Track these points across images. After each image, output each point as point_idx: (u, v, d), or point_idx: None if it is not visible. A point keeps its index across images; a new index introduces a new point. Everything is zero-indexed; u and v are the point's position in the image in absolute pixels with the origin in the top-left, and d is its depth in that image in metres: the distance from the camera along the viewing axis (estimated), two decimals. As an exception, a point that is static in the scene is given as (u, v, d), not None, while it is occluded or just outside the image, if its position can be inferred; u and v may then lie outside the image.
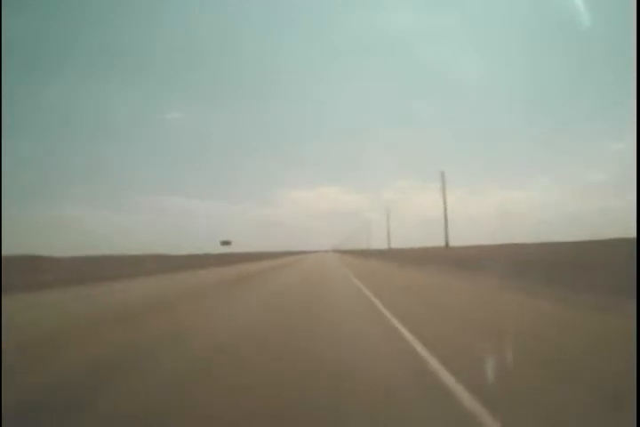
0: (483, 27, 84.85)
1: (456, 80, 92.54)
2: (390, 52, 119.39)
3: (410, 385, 2.83)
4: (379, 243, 74.57)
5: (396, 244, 61.75)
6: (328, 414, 2.36)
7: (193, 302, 8.62)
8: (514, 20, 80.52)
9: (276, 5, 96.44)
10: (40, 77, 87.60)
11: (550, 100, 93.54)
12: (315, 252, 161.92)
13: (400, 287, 11.32)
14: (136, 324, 5.87)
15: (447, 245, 34.97)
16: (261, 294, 10.13)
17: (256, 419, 2.35)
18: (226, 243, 52.77)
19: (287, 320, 5.77)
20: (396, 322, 5.23)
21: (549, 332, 4.57)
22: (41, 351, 4.30)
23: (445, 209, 35.10)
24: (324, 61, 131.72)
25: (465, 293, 9.27)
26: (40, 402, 2.70)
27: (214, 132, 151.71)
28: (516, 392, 2.61)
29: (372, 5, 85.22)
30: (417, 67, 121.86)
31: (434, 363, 3.26)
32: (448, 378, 2.86)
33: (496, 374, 2.96)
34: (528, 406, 2.38)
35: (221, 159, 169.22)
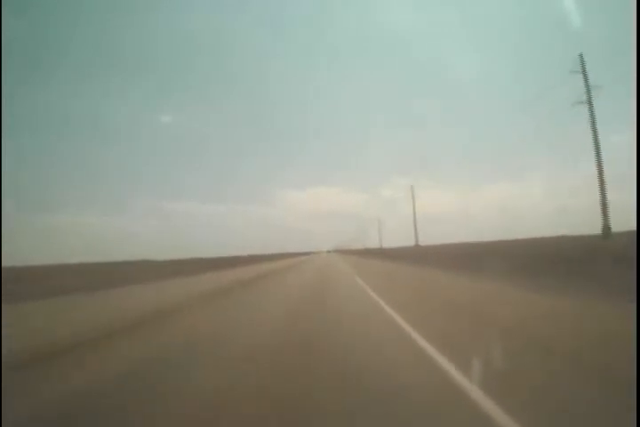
0: (482, 26, 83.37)
1: (454, 79, 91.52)
2: (390, 51, 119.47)
3: None
4: (379, 242, 73.25)
5: (401, 242, 59.55)
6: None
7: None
8: (512, 19, 78.75)
9: (273, 5, 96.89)
10: (40, 77, 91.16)
11: (550, 97, 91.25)
12: (315, 253, 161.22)
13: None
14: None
15: (609, 233, 20.47)
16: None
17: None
18: None
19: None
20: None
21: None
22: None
23: (603, 184, 20.72)
24: (323, 61, 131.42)
25: None
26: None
27: (213, 133, 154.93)
28: None
29: (372, 5, 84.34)
30: (416, 66, 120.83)
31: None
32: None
33: None
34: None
35: (220, 161, 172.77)
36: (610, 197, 21.20)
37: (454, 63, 76.94)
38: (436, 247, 43.89)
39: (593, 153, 21.78)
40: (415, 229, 51.71)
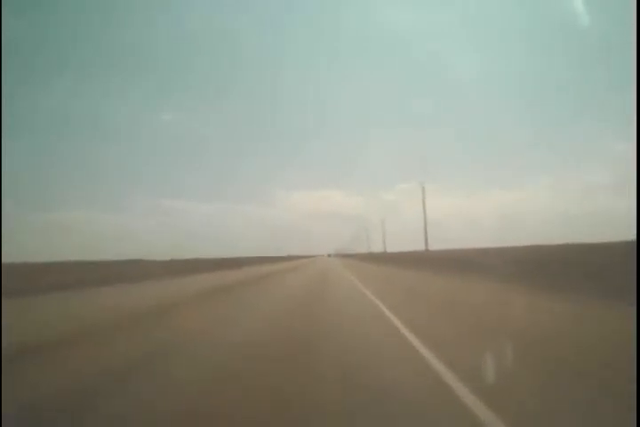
0: (483, 26, 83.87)
1: (456, 80, 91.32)
2: (391, 51, 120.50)
3: None
4: (384, 246, 72.48)
5: (403, 246, 58.25)
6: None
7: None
8: (514, 19, 78.79)
9: (274, 5, 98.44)
10: (40, 77, 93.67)
11: (551, 100, 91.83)
12: (316, 256, 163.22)
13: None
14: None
15: None
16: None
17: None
18: None
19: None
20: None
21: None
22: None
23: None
24: (324, 61, 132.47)
25: None
26: None
27: (214, 133, 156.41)
28: None
29: (372, 4, 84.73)
30: (417, 66, 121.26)
31: None
32: None
33: None
34: None
35: (221, 161, 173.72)
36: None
37: (462, 66, 76.45)
38: (449, 252, 42.12)
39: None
40: (425, 233, 50.31)
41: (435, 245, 43.25)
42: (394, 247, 65.45)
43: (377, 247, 78.75)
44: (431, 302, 9.59)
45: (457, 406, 2.79)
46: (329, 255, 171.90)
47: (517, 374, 3.52)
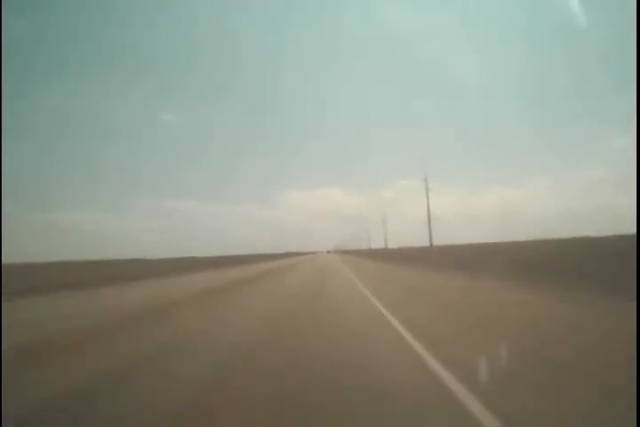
0: (483, 26, 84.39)
1: (456, 80, 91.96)
2: (391, 51, 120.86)
3: None
4: (385, 242, 72.46)
5: (402, 243, 58.32)
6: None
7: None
8: (514, 19, 78.72)
9: (274, 5, 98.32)
10: (40, 77, 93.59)
11: (551, 98, 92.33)
12: (315, 253, 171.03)
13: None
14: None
15: None
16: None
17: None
18: None
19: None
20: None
21: None
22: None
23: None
24: (324, 61, 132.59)
25: None
26: None
27: (214, 133, 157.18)
28: None
29: (372, 4, 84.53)
30: (417, 66, 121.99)
31: None
32: None
33: None
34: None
35: (221, 161, 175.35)
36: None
37: (462, 66, 76.14)
38: (450, 248, 41.12)
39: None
40: (430, 229, 49.74)
41: (435, 241, 42.93)
42: (394, 243, 65.64)
43: (377, 244, 79.05)
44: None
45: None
46: (328, 252, 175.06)
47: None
